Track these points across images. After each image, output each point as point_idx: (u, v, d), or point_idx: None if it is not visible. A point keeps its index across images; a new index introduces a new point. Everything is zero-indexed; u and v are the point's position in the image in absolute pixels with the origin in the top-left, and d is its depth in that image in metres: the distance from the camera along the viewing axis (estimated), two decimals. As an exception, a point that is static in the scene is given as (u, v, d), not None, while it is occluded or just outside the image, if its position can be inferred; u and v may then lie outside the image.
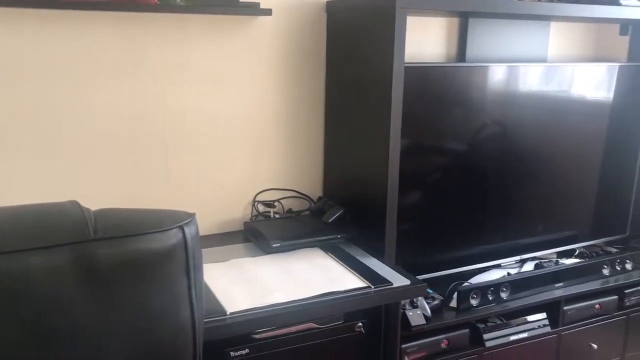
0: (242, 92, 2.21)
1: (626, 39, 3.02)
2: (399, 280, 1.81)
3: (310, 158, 2.39)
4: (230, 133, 2.22)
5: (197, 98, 2.14)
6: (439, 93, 2.30)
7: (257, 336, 1.71)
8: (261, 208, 2.31)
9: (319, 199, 2.37)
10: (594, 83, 2.70)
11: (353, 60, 2.15)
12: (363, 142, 2.14)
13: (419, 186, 2.34)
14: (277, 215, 2.29)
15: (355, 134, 2.18)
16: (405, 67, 1.93)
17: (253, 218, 2.30)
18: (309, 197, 2.39)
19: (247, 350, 1.71)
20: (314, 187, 2.42)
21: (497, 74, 2.42)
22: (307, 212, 2.34)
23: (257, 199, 2.31)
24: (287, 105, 2.30)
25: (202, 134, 2.18)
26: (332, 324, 1.83)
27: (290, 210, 2.34)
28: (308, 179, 2.40)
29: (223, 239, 2.19)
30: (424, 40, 2.51)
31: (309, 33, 2.28)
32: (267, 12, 2.10)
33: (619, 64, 2.75)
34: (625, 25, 2.99)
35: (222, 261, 1.92)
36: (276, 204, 2.32)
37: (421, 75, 2.21)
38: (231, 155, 2.25)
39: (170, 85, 2.09)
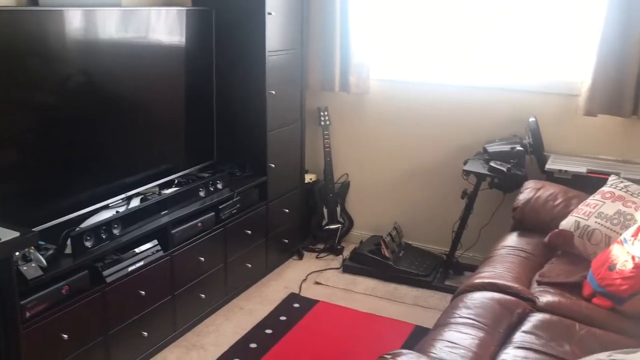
0: None
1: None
2: (5, 234, 1.76)
3: None
4: None
5: None
6: (16, 42, 2.20)
7: None
8: None
9: None
10: (168, 27, 2.96)
11: None
12: None
13: (14, 142, 2.24)
14: None
15: None
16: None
17: None
18: None
19: None
20: None
21: (74, 21, 2.44)
22: None
23: None
24: None
25: None
26: None
27: None
28: None
29: None
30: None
31: None
32: None
33: (186, 8, 3.08)
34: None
35: None
36: None
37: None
38: None
39: None
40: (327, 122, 3.87)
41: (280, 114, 3.51)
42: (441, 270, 3.55)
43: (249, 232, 3.31)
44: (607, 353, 1.51)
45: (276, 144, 3.49)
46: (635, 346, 1.78)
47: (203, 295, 3.00)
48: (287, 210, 3.68)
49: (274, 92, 3.36)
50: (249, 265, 3.36)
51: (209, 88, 3.28)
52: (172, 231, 2.78)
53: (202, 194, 3.06)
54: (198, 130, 3.28)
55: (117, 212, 2.66)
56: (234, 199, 3.16)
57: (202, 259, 2.97)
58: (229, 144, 3.43)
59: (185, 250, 2.86)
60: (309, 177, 3.96)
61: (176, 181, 3.11)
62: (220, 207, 3.09)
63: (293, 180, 3.79)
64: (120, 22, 2.66)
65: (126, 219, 2.61)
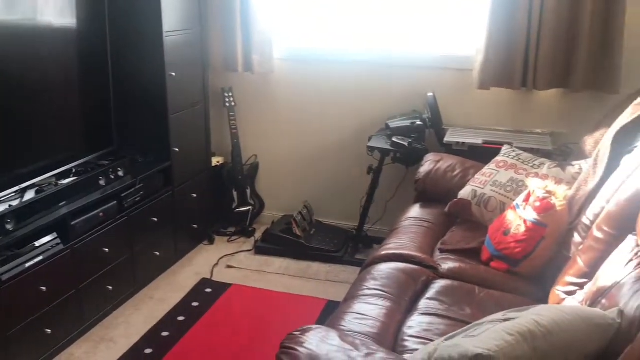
0: None
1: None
2: None
3: None
4: None
5: None
6: None
7: None
8: None
9: None
10: (58, 8, 2.78)
11: None
12: None
13: None
14: None
15: None
16: None
17: None
18: None
19: None
20: None
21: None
22: None
23: None
24: None
25: None
26: None
27: None
28: None
29: None
30: None
31: None
32: None
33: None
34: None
35: None
36: None
37: None
38: None
39: None
40: (233, 103, 3.81)
41: (183, 96, 3.42)
42: (351, 245, 3.62)
43: (155, 219, 3.23)
44: (502, 313, 1.60)
45: (179, 127, 3.40)
46: (528, 304, 1.90)
47: (110, 287, 2.90)
48: (194, 195, 3.62)
49: (174, 73, 3.27)
50: (158, 253, 3.28)
51: (105, 71, 3.12)
52: (72, 223, 2.66)
53: (102, 182, 2.94)
54: (95, 116, 3.13)
55: (9, 205, 2.50)
56: (137, 187, 3.06)
57: (107, 249, 2.86)
58: (129, 129, 3.30)
59: (88, 241, 2.75)
60: (216, 160, 3.90)
61: (74, 170, 2.95)
62: (122, 195, 2.98)
63: (199, 164, 3.72)
64: (4, 3, 2.48)
65: (21, 213, 2.47)
